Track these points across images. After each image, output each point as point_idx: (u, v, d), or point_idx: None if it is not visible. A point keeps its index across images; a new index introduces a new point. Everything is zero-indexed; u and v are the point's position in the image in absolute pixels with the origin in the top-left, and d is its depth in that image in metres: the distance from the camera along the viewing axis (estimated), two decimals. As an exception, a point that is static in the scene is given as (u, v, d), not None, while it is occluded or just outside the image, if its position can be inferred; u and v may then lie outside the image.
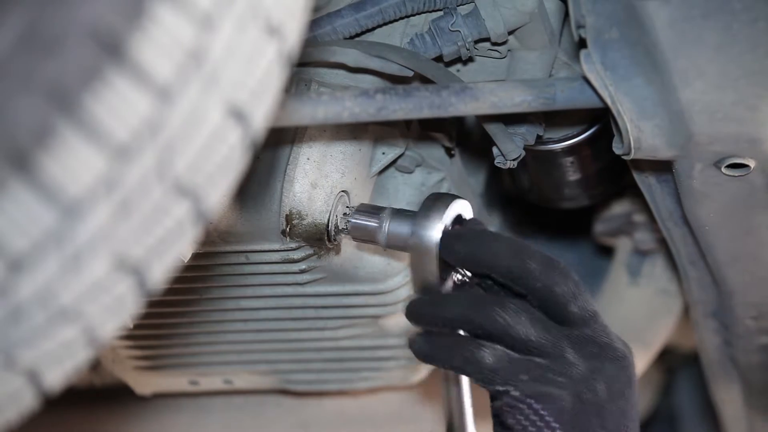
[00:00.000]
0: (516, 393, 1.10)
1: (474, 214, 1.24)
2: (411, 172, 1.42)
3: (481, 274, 1.17)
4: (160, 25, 0.70)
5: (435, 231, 1.18)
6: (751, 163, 1.15)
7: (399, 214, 1.25)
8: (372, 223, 1.26)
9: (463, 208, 1.22)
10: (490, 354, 1.11)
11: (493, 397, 1.13)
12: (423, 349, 1.16)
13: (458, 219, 1.21)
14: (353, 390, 1.65)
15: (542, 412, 1.09)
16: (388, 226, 1.24)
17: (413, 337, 1.18)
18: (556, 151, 1.38)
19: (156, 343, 1.56)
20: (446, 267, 1.19)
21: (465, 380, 1.23)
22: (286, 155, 1.28)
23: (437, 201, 1.20)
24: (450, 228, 1.19)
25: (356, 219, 1.28)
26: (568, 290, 1.14)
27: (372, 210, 1.27)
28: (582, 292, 1.15)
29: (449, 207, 1.19)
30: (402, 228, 1.24)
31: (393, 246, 1.25)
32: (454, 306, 1.15)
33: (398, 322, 1.47)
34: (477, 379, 1.12)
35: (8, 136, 0.67)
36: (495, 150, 1.28)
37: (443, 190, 1.43)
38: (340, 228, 1.30)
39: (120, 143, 0.70)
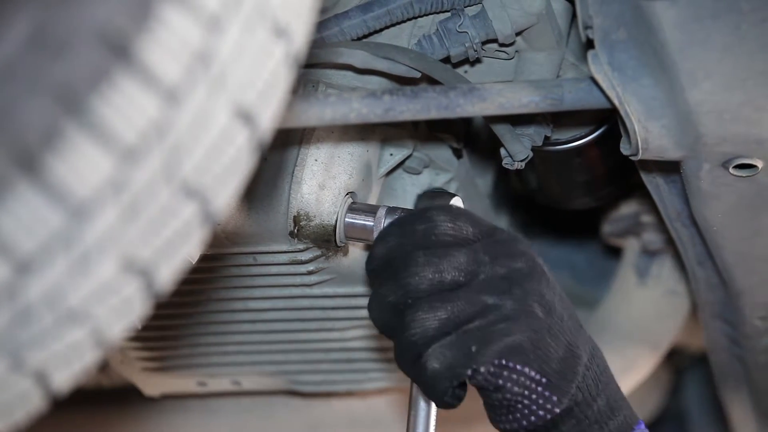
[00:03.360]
0: (482, 369, 1.07)
1: (481, 215, 1.24)
2: (419, 173, 1.42)
3: None
4: (167, 26, 0.70)
5: None
6: (759, 164, 1.15)
7: (395, 212, 1.25)
8: (368, 222, 1.26)
9: (457, 204, 1.23)
10: (433, 357, 1.08)
11: (472, 380, 1.10)
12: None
13: None
14: (361, 391, 1.65)
15: (510, 365, 1.08)
16: (385, 225, 1.24)
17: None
18: (563, 152, 1.37)
19: (164, 344, 1.56)
20: None
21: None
22: (293, 156, 1.28)
23: (435, 198, 1.21)
24: None
25: (351, 218, 1.28)
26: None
27: (366, 209, 1.27)
28: (463, 221, 1.14)
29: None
30: None
31: None
32: (377, 307, 1.13)
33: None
34: (437, 391, 1.09)
35: (16, 138, 0.67)
36: (503, 151, 1.28)
37: (451, 192, 1.43)
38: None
39: (127, 145, 0.70)
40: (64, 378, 0.76)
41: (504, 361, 1.08)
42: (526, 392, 1.09)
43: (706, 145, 1.12)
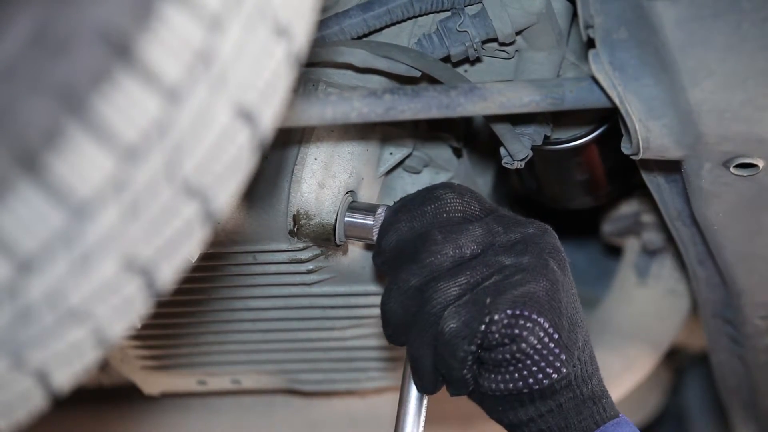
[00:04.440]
0: (496, 317, 1.09)
1: None
2: (419, 173, 1.42)
3: None
4: (168, 26, 0.70)
5: None
6: (760, 163, 1.15)
7: None
8: (367, 221, 1.26)
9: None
10: (449, 318, 1.09)
11: (485, 346, 1.11)
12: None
13: None
14: (361, 390, 1.65)
15: (526, 313, 1.09)
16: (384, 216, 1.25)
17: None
18: (564, 151, 1.38)
19: (164, 343, 1.56)
20: None
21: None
22: (293, 155, 1.28)
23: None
24: None
25: (351, 218, 1.28)
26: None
27: (366, 208, 1.27)
28: (471, 200, 1.18)
29: None
30: None
31: None
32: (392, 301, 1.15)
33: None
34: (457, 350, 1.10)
35: (17, 137, 0.67)
36: (503, 150, 1.28)
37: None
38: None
39: (128, 144, 0.70)
40: (65, 377, 0.76)
41: (519, 311, 1.09)
42: (539, 346, 1.09)
43: (707, 145, 1.12)
